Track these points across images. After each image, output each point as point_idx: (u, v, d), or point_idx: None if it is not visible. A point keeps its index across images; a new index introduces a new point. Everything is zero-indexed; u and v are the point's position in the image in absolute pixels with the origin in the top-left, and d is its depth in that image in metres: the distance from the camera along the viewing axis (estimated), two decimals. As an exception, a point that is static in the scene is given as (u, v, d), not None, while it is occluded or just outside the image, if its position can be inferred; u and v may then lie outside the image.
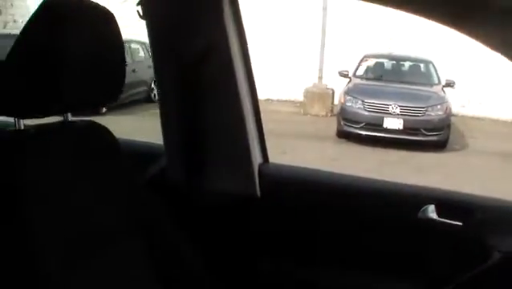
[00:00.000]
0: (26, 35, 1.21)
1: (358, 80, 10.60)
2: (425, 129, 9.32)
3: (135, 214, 1.39)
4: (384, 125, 9.36)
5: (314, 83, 12.35)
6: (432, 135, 9.36)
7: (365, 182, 1.98)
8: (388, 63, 11.40)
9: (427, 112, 9.47)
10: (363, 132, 9.36)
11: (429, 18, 1.30)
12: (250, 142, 1.82)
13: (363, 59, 11.22)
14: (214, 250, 1.71)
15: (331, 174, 2.07)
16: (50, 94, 1.20)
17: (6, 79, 1.20)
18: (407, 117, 9.38)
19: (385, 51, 11.93)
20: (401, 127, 9.31)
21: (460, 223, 1.74)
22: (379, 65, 11.30)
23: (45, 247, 1.16)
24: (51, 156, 1.25)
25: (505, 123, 12.38)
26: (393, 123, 9.34)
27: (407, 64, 11.30)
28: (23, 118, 1.25)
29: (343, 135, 9.57)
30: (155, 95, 11.52)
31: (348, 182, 1.98)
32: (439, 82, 10.53)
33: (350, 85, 10.34)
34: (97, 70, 1.27)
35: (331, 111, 11.72)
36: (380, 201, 1.85)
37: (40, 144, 1.25)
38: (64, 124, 1.34)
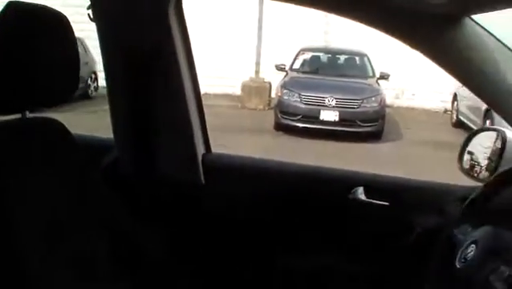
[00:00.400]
0: None
1: (294, 74, 10.76)
2: (361, 120, 9.57)
3: (92, 204, 1.48)
4: (321, 117, 9.55)
5: (251, 77, 12.44)
6: (368, 126, 9.62)
7: (299, 168, 2.09)
8: (323, 57, 11.62)
9: (362, 104, 9.72)
10: (300, 125, 9.53)
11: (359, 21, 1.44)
12: (194, 134, 1.96)
13: (299, 52, 11.39)
14: (165, 233, 1.78)
15: (267, 161, 2.19)
16: (9, 92, 1.29)
17: None
18: (343, 109, 9.60)
19: (321, 45, 12.13)
20: (337, 119, 9.53)
21: (387, 203, 1.84)
22: (316, 58, 11.51)
23: (22, 236, 1.24)
24: (12, 151, 1.31)
25: (436, 113, 12.86)
26: (329, 115, 9.55)
27: (342, 57, 11.55)
28: None
29: (281, 127, 9.72)
30: (91, 92, 11.54)
31: (284, 168, 2.09)
32: (373, 74, 10.81)
33: (287, 78, 10.50)
34: (53, 69, 1.35)
35: (269, 104, 11.85)
36: (314, 184, 1.98)
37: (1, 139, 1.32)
38: (22, 120, 1.40)
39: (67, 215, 1.40)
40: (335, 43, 12.23)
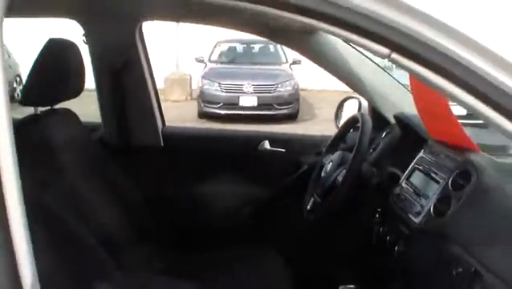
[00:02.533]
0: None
1: (213, 64, 11.40)
2: (277, 104, 10.37)
3: (96, 161, 2.14)
4: (240, 104, 10.28)
5: (173, 71, 13.02)
6: (284, 108, 10.43)
7: (227, 132, 3.00)
8: (239, 47, 12.28)
9: (277, 89, 10.51)
10: (222, 112, 10.21)
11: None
12: (155, 114, 2.74)
13: (216, 44, 12.04)
14: (141, 179, 2.42)
15: (206, 129, 2.97)
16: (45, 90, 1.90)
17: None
18: (260, 94, 10.36)
19: (236, 36, 12.82)
20: (256, 104, 10.28)
21: (283, 150, 2.64)
22: (232, 49, 12.16)
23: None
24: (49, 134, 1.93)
25: (346, 92, 13.80)
26: (248, 100, 10.29)
27: (257, 46, 12.23)
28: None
29: (204, 115, 10.38)
30: (18, 94, 11.78)
31: (216, 133, 2.97)
32: (286, 61, 11.56)
33: (206, 69, 11.13)
34: (70, 75, 1.95)
35: (190, 95, 12.50)
36: (236, 140, 2.79)
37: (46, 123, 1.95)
38: (52, 110, 2.00)
39: (81, 169, 2.03)
40: (249, 34, 12.92)
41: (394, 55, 1.00)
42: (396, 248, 1.84)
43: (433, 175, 1.80)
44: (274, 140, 2.70)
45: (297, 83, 10.95)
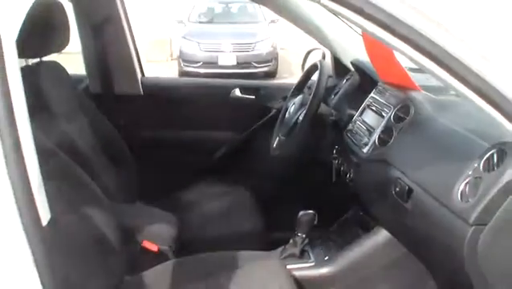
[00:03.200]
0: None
1: (192, 24, 11.50)
2: (256, 62, 10.53)
3: (82, 109, 2.32)
4: (220, 62, 10.42)
5: (153, 33, 13.09)
6: (263, 66, 10.59)
7: (203, 82, 3.18)
8: (217, 7, 12.36)
9: (256, 47, 10.65)
10: (202, 70, 10.33)
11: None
12: (135, 65, 2.93)
13: (194, 5, 12.12)
14: (121, 125, 2.62)
15: (184, 79, 3.20)
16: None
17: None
18: (239, 53, 10.51)
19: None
20: (235, 62, 10.42)
21: (253, 97, 2.86)
22: (210, 9, 12.24)
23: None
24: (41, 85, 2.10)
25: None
26: (227, 59, 10.43)
27: (235, 6, 12.33)
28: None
29: (184, 74, 10.51)
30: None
31: (195, 82, 3.15)
32: (265, 19, 11.70)
33: (185, 30, 11.24)
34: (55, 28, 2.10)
35: (171, 56, 12.61)
36: (210, 89, 3.03)
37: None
38: (42, 62, 2.15)
39: (71, 111, 2.23)
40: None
41: (323, 1, 1.20)
42: (348, 176, 2.09)
43: (379, 111, 2.04)
44: (245, 88, 2.92)
45: (275, 41, 11.09)
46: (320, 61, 2.41)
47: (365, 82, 2.38)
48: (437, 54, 1.17)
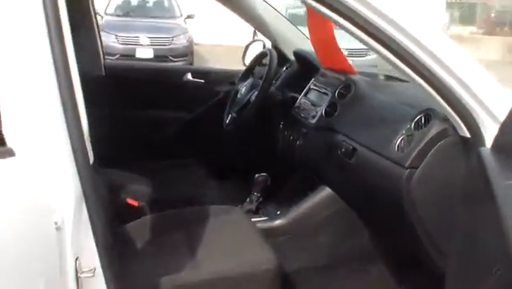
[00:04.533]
0: None
1: (109, 17, 11.58)
2: (172, 56, 10.80)
3: None
4: (137, 55, 10.60)
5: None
6: (179, 60, 10.87)
7: (159, 66, 3.56)
8: (134, 1, 12.55)
9: (172, 42, 10.93)
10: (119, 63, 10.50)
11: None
12: (98, 45, 3.21)
13: (110, -2, 12.23)
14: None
15: (142, 62, 3.52)
16: None
17: None
18: (156, 47, 10.74)
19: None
20: (152, 55, 10.63)
21: (203, 81, 3.23)
22: (127, 2, 12.39)
23: None
24: None
25: (238, 47, 14.43)
26: (144, 52, 10.62)
27: (151, 0, 12.56)
28: None
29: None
30: None
31: (152, 66, 3.52)
32: (181, 15, 12.00)
33: (103, 22, 11.29)
34: None
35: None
36: (166, 73, 3.40)
37: None
38: None
39: None
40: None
41: None
42: (298, 142, 2.51)
43: (324, 90, 2.48)
44: (196, 72, 3.28)
45: (191, 36, 11.42)
46: (270, 50, 2.82)
47: (306, 69, 2.80)
48: (379, 35, 1.53)
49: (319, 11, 1.55)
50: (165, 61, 10.66)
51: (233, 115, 2.81)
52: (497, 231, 1.30)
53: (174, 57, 10.79)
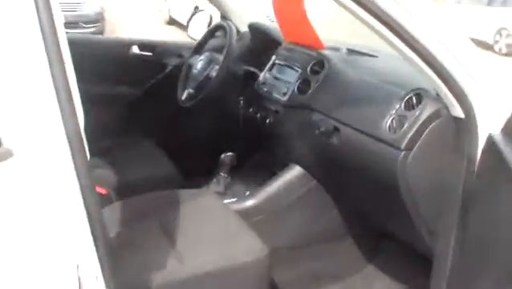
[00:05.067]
0: None
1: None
2: (84, 22, 10.35)
3: None
4: (47, 21, 10.08)
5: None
6: (90, 27, 10.47)
7: (104, 39, 3.35)
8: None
9: (83, 7, 10.49)
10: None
11: None
12: None
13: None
14: None
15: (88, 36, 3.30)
16: None
17: None
18: (66, 13, 10.21)
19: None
20: (63, 21, 10.14)
21: (150, 53, 3.06)
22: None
23: None
24: None
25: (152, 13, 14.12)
26: (54, 18, 10.12)
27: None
28: None
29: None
30: None
31: (97, 39, 3.33)
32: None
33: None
34: None
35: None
36: (111, 46, 3.20)
37: None
38: None
39: None
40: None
41: None
42: (268, 121, 2.42)
43: (292, 66, 2.40)
44: (143, 45, 3.09)
45: (102, 2, 10.98)
46: (227, 23, 2.69)
47: (264, 42, 2.70)
48: (371, 7, 1.44)
49: None
50: (76, 27, 10.21)
51: (190, 91, 2.69)
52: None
53: (85, 23, 10.34)
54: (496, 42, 14.86)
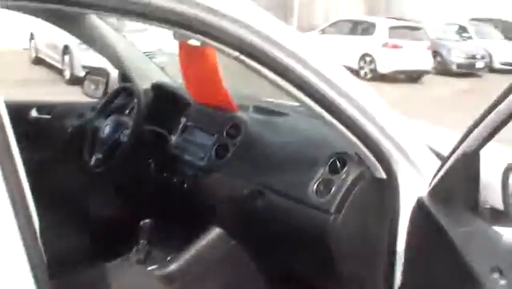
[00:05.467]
0: None
1: None
2: None
3: None
4: None
5: None
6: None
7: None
8: None
9: None
10: None
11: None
12: None
13: None
14: None
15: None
16: None
17: None
18: None
19: None
20: None
21: (49, 116, 2.91)
22: None
23: None
24: None
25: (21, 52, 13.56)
26: None
27: None
28: None
29: None
30: None
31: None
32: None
33: None
34: None
35: None
36: (11, 110, 2.89)
37: None
38: None
39: None
40: None
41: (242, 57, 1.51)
42: (185, 185, 2.42)
43: (206, 129, 2.42)
44: (41, 107, 2.97)
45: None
46: (135, 84, 2.67)
47: (171, 103, 2.69)
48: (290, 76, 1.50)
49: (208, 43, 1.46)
50: None
51: (99, 156, 2.62)
52: (462, 278, 1.39)
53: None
54: (361, 67, 15.76)
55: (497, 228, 1.51)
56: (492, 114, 1.34)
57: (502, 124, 1.35)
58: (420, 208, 1.62)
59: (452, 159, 1.52)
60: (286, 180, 2.00)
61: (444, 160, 1.58)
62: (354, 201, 1.83)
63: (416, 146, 1.74)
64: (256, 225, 2.15)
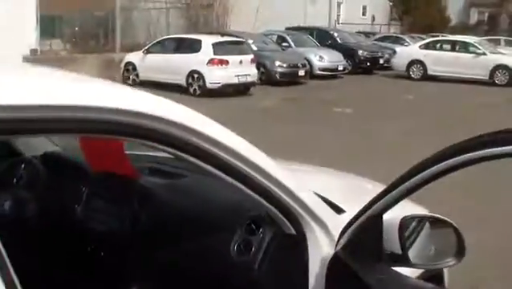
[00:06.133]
0: None
1: None
2: None
3: None
4: None
5: None
6: None
7: None
8: None
9: None
10: None
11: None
12: None
13: None
14: None
15: None
16: None
17: None
18: None
19: None
20: None
21: None
22: None
23: None
24: None
25: None
26: None
27: None
28: None
29: None
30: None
31: None
32: None
33: None
34: None
35: None
36: None
37: None
38: None
39: None
40: None
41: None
42: (102, 253, 2.49)
43: (111, 198, 2.47)
44: None
45: None
46: (31, 157, 2.67)
47: (67, 172, 2.71)
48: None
49: None
50: None
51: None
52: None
53: None
54: (190, 84, 16.11)
55: (396, 268, 1.89)
56: (393, 191, 1.71)
57: (401, 197, 1.74)
58: (336, 260, 1.93)
59: (360, 220, 1.86)
60: (205, 244, 2.19)
61: (351, 220, 1.91)
62: (274, 256, 2.08)
63: (313, 200, 2.01)
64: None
